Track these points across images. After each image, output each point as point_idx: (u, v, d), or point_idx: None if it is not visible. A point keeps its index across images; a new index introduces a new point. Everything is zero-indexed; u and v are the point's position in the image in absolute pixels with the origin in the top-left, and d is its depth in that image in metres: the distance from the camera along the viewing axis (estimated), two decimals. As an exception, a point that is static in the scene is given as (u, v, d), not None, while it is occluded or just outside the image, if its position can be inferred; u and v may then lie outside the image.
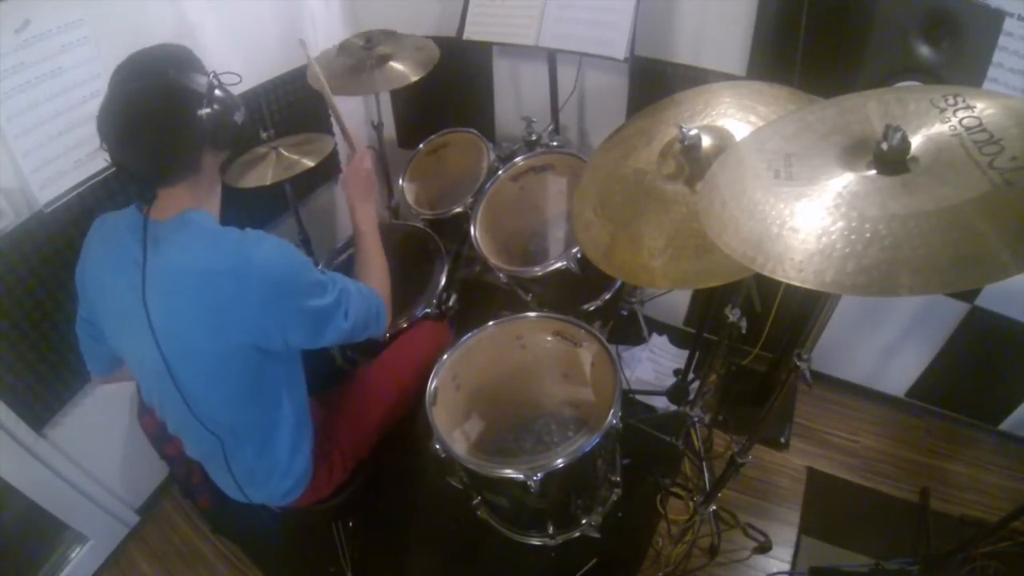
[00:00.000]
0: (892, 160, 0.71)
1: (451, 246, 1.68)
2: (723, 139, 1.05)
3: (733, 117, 1.09)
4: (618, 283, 1.56)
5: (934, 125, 0.74)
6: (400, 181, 1.80)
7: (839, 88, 0.90)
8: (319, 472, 1.17)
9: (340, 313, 1.03)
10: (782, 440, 1.82)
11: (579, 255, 1.33)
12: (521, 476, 1.10)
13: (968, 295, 1.60)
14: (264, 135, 1.59)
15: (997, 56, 1.03)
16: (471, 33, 1.63)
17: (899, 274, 0.63)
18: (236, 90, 1.02)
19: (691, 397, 1.72)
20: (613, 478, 1.37)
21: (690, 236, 0.98)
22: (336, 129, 1.39)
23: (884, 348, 1.82)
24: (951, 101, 0.75)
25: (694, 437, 1.76)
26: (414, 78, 1.61)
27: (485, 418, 1.39)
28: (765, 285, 1.38)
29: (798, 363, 1.06)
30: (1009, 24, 1.01)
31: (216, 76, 0.98)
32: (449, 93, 1.99)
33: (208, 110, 0.93)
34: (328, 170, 2.17)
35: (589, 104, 1.87)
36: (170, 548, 1.70)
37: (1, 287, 1.23)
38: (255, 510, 1.21)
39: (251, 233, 0.97)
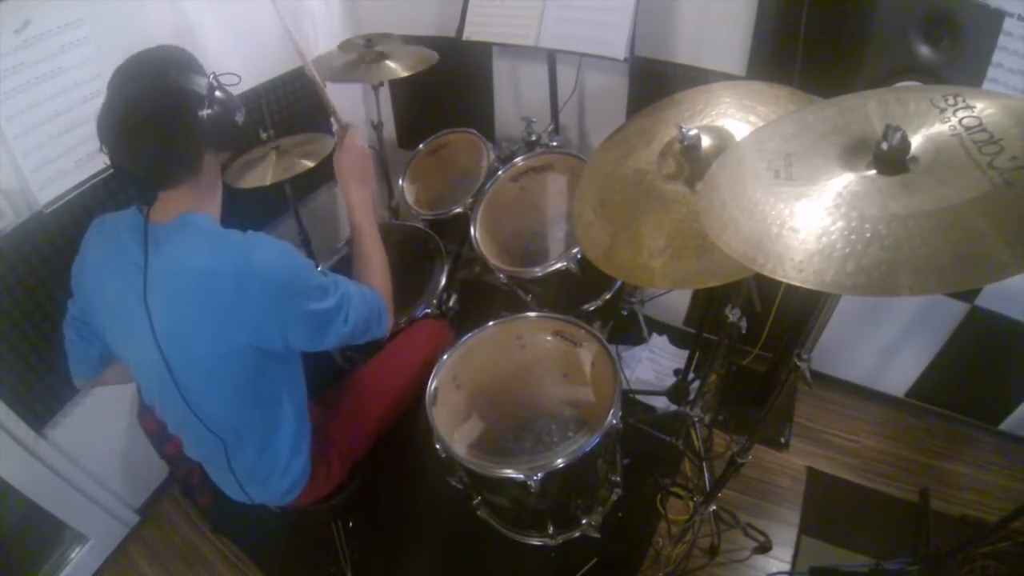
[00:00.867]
0: (892, 160, 0.71)
1: (451, 246, 1.68)
2: (723, 139, 1.05)
3: (733, 117, 1.09)
4: (618, 283, 1.56)
5: (934, 125, 0.74)
6: (400, 181, 1.80)
7: (839, 88, 0.90)
8: (317, 472, 1.17)
9: (340, 317, 1.03)
10: (782, 440, 1.82)
11: (579, 255, 1.33)
12: (521, 476, 1.10)
13: (968, 295, 1.60)
14: (264, 135, 1.59)
15: (997, 56, 1.03)
16: (471, 33, 1.63)
17: (899, 274, 0.63)
18: (236, 90, 1.02)
19: (691, 397, 1.72)
20: (613, 478, 1.37)
21: (690, 236, 0.98)
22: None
23: (884, 348, 1.82)
24: (951, 101, 0.75)
25: (694, 437, 1.76)
26: (405, 73, 1.62)
27: (485, 418, 1.39)
28: (765, 285, 1.38)
29: (798, 363, 1.06)
30: (1009, 24, 1.01)
31: (216, 77, 0.98)
32: (449, 93, 2.00)
33: (209, 111, 0.93)
34: (328, 170, 2.17)
35: (589, 104, 1.87)
36: (170, 548, 1.70)
37: (1, 287, 1.23)
38: (255, 509, 1.21)
39: (253, 235, 0.96)
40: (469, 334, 1.35)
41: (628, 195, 1.11)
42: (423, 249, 1.66)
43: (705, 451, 1.74)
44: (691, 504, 1.64)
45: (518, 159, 1.62)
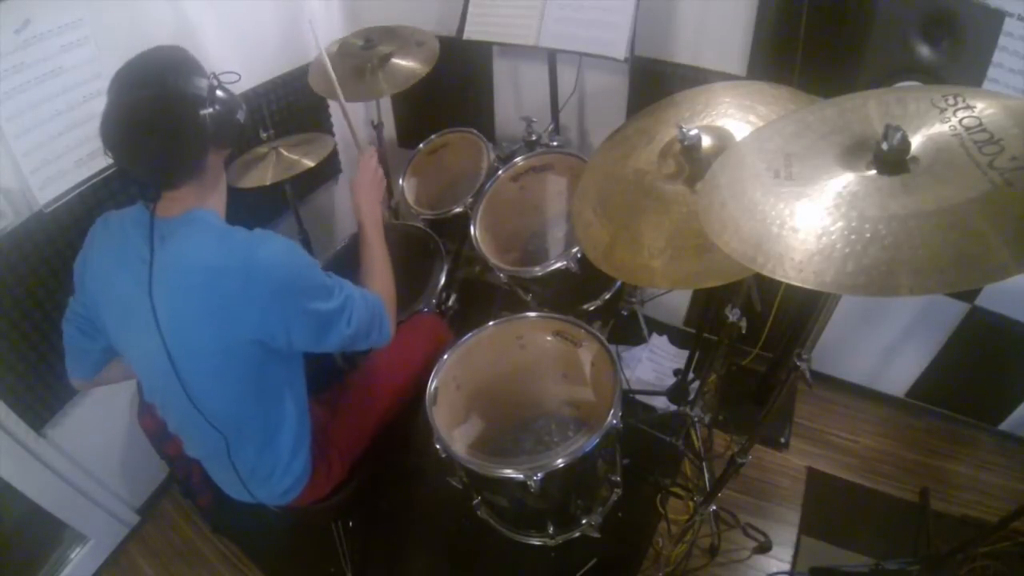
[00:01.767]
0: (892, 160, 0.71)
1: (451, 246, 1.68)
2: (723, 139, 1.05)
3: (733, 117, 1.09)
4: (618, 283, 1.56)
5: (934, 125, 0.74)
6: (400, 181, 1.80)
7: (839, 88, 0.90)
8: (318, 471, 1.17)
9: (344, 319, 1.04)
10: (782, 440, 1.82)
11: (579, 255, 1.33)
12: (521, 476, 1.10)
13: (968, 295, 1.59)
14: (264, 135, 1.59)
15: (997, 56, 1.03)
16: (471, 33, 1.63)
17: (899, 274, 0.63)
18: (236, 89, 1.02)
19: (691, 397, 1.72)
20: (613, 478, 1.37)
21: (690, 236, 0.98)
22: (343, 125, 1.42)
23: (884, 348, 1.82)
24: (951, 101, 0.75)
25: (694, 437, 1.76)
26: (423, 73, 1.60)
27: (485, 418, 1.39)
28: (765, 285, 1.38)
29: (798, 363, 1.06)
30: (1009, 24, 1.01)
31: (216, 76, 0.98)
32: (449, 93, 1.99)
33: (210, 111, 0.93)
34: (328, 170, 2.17)
35: (589, 104, 1.87)
36: (170, 548, 1.70)
37: (1, 287, 1.23)
38: (255, 509, 1.21)
39: (259, 232, 0.97)
40: (469, 334, 1.35)
41: (628, 195, 1.11)
42: (423, 249, 1.66)
43: (705, 451, 1.74)
44: (691, 504, 1.64)
45: (518, 159, 1.62)
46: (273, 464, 1.11)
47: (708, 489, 1.60)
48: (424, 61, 1.63)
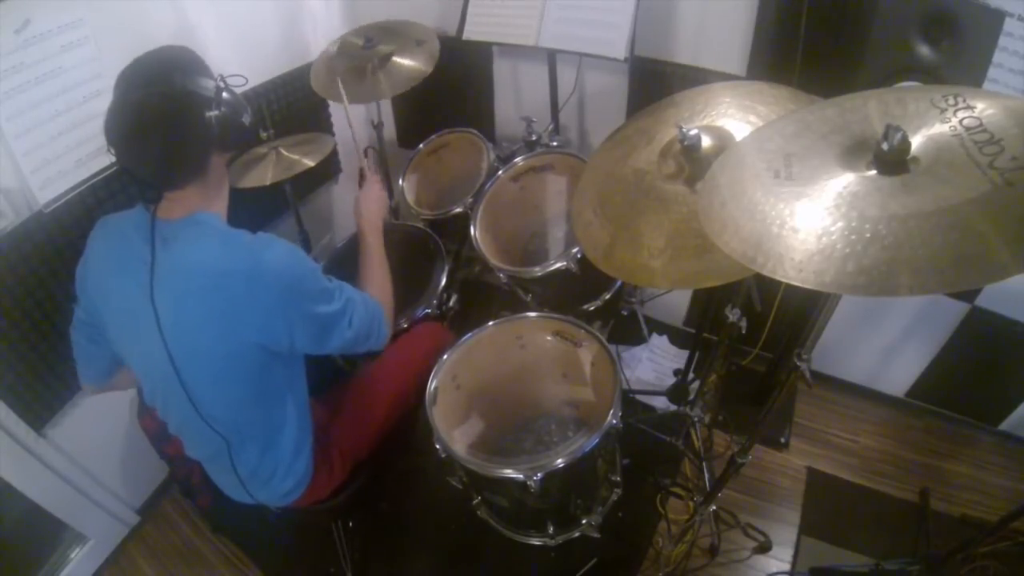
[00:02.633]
0: (892, 160, 0.71)
1: (451, 246, 1.68)
2: (723, 139, 1.05)
3: (733, 117, 1.09)
4: (618, 283, 1.56)
5: (934, 125, 0.74)
6: (400, 181, 1.80)
7: (839, 88, 0.90)
8: (319, 473, 1.17)
9: (345, 321, 1.05)
10: (782, 440, 1.82)
11: (579, 255, 1.33)
12: (521, 476, 1.10)
13: (968, 295, 1.59)
14: (264, 135, 1.59)
15: (997, 56, 1.03)
16: (471, 33, 1.63)
17: (899, 274, 0.63)
18: (239, 90, 1.02)
19: (691, 397, 1.72)
20: (613, 478, 1.37)
21: (690, 236, 0.97)
22: (344, 126, 1.47)
23: (884, 348, 1.82)
24: (951, 101, 0.75)
25: (694, 437, 1.76)
26: (425, 72, 1.60)
27: (485, 418, 1.39)
28: (765, 285, 1.38)
29: (798, 363, 1.06)
30: (1009, 24, 1.01)
31: (223, 79, 0.98)
32: (449, 93, 1.99)
33: (216, 112, 0.93)
34: (328, 170, 2.17)
35: (589, 104, 1.87)
36: (170, 548, 1.70)
37: (1, 287, 1.23)
38: (255, 510, 1.21)
39: (263, 236, 0.97)
40: (469, 334, 1.35)
41: (628, 195, 1.11)
42: (423, 249, 1.66)
43: (705, 451, 1.73)
44: (691, 504, 1.64)
45: (518, 159, 1.62)
46: (274, 466, 1.11)
47: (708, 489, 1.60)
48: (425, 60, 1.62)
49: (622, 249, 1.05)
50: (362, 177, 1.46)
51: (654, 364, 2.05)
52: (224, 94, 0.96)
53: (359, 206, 1.36)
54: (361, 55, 1.64)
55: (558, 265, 1.36)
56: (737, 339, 1.35)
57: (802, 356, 1.06)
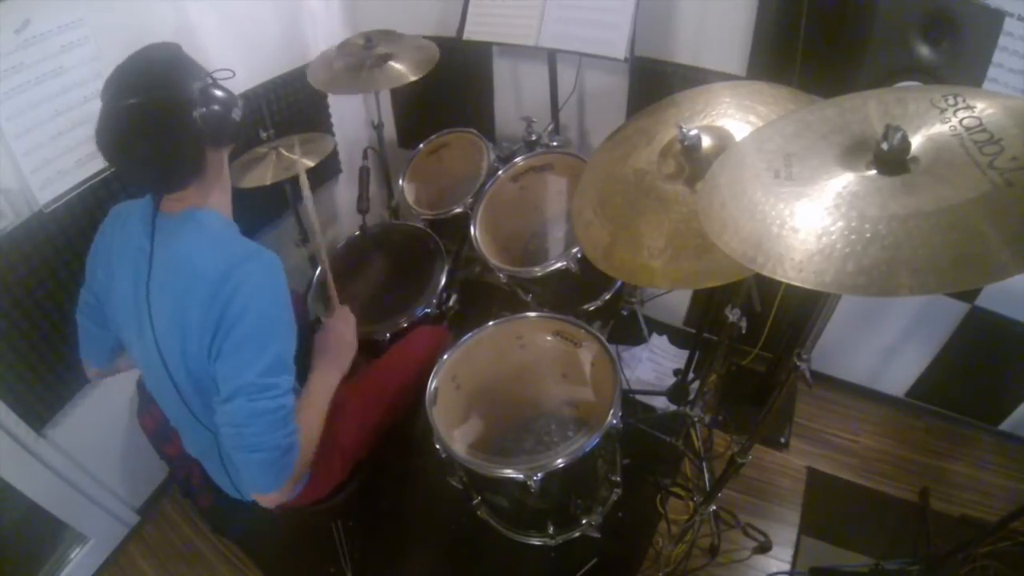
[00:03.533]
0: (892, 160, 0.71)
1: (451, 246, 1.68)
2: (723, 139, 1.05)
3: (733, 117, 1.09)
4: (618, 283, 1.56)
5: (934, 125, 0.74)
6: (400, 181, 1.80)
7: (839, 88, 0.90)
8: (318, 472, 1.17)
9: (262, 403, 0.90)
10: (782, 440, 1.82)
11: (579, 255, 1.33)
12: (521, 476, 1.10)
13: (968, 295, 1.59)
14: (264, 135, 1.59)
15: (997, 56, 1.03)
16: (471, 33, 1.63)
17: (899, 274, 0.63)
18: (235, 87, 1.01)
19: (691, 397, 1.72)
20: (613, 478, 1.37)
21: (690, 236, 0.98)
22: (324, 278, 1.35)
23: (884, 348, 1.82)
24: (951, 101, 0.75)
25: (694, 437, 1.76)
26: (413, 77, 1.60)
27: (485, 418, 1.39)
28: (765, 285, 1.38)
29: (798, 363, 1.06)
30: (1009, 24, 1.01)
31: (210, 75, 0.97)
32: (449, 93, 1.99)
33: (203, 111, 0.91)
34: (328, 170, 2.17)
35: (589, 104, 1.87)
36: (170, 548, 1.70)
37: (1, 287, 1.23)
38: (254, 508, 1.21)
39: (266, 260, 0.94)
40: (469, 334, 1.35)
41: (628, 195, 1.11)
42: (423, 249, 1.66)
43: (705, 451, 1.74)
44: (691, 504, 1.64)
45: (518, 159, 1.62)
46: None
47: (708, 489, 1.60)
48: (419, 66, 1.62)
49: (622, 249, 1.05)
50: (330, 306, 1.29)
51: (654, 364, 2.05)
52: (212, 90, 0.95)
53: (325, 340, 1.17)
54: (360, 53, 1.65)
55: (558, 265, 1.36)
56: (737, 339, 1.35)
57: (802, 356, 1.06)
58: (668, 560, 1.54)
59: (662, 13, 1.56)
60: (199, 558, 1.68)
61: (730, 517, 1.59)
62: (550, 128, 1.76)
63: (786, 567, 1.54)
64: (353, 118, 2.20)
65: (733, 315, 1.29)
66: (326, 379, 1.12)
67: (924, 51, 1.07)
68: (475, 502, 1.34)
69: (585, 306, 1.56)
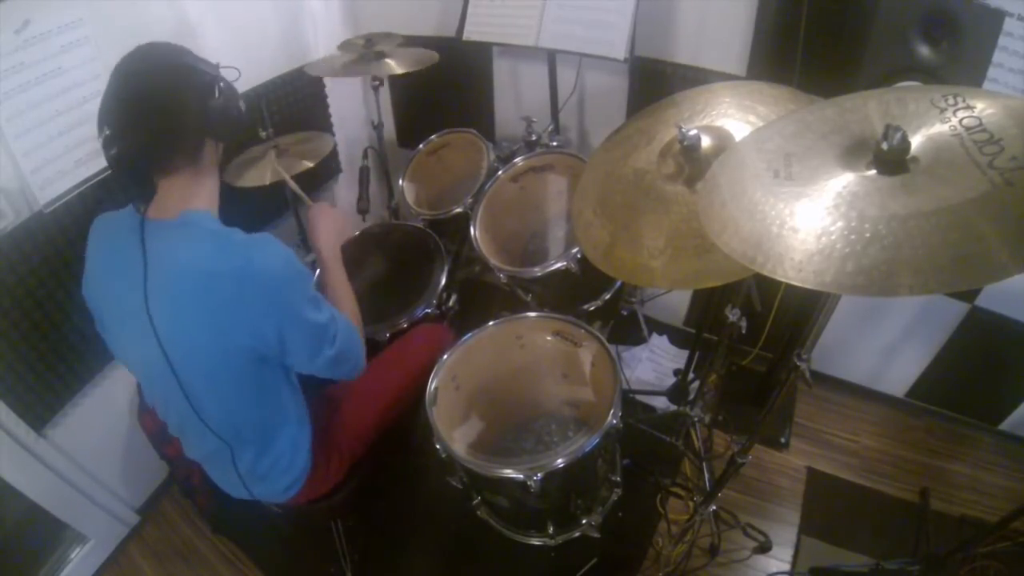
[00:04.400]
0: (892, 160, 0.71)
1: (451, 246, 1.68)
2: (723, 139, 1.05)
3: (733, 117, 1.09)
4: (618, 283, 1.56)
5: (934, 125, 0.74)
6: (400, 181, 1.80)
7: (839, 88, 0.90)
8: (317, 470, 1.17)
9: (330, 335, 1.02)
10: (782, 440, 1.82)
11: (579, 255, 1.33)
12: (521, 476, 1.10)
13: (968, 295, 1.59)
14: (263, 135, 1.59)
15: (997, 56, 1.03)
16: (471, 33, 1.63)
17: (899, 274, 0.63)
18: (235, 86, 1.02)
19: (691, 397, 1.72)
20: (613, 478, 1.37)
21: (690, 236, 0.98)
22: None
23: (884, 348, 1.82)
24: (951, 101, 0.75)
25: (694, 437, 1.76)
26: (401, 70, 1.62)
27: (485, 418, 1.39)
28: (765, 285, 1.38)
29: (798, 363, 1.06)
30: (1009, 24, 1.01)
31: (219, 69, 0.99)
32: (449, 93, 1.99)
33: (216, 94, 0.94)
34: (328, 170, 2.17)
35: (589, 104, 1.87)
36: (170, 548, 1.70)
37: (1, 287, 1.23)
38: (255, 508, 1.21)
39: (256, 237, 0.96)
40: (469, 334, 1.35)
41: (628, 195, 1.11)
42: (423, 249, 1.66)
43: (705, 451, 1.74)
44: (691, 504, 1.64)
45: (518, 159, 1.62)
46: (273, 464, 1.11)
47: (708, 489, 1.60)
48: (415, 62, 1.64)
49: (622, 249, 1.05)
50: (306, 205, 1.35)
51: (654, 364, 2.05)
52: (225, 83, 0.98)
53: (312, 233, 1.24)
54: (360, 50, 1.67)
55: (558, 265, 1.36)
56: (737, 339, 1.36)
57: (802, 356, 1.06)
58: (668, 560, 1.54)
59: (662, 13, 1.56)
60: (199, 558, 1.68)
61: (730, 517, 1.59)
62: (550, 128, 1.76)
63: (786, 567, 1.54)
64: (353, 118, 2.20)
65: (733, 315, 1.29)
66: (334, 259, 1.21)
67: (924, 51, 1.07)
68: (475, 502, 1.34)
69: (585, 306, 1.56)
